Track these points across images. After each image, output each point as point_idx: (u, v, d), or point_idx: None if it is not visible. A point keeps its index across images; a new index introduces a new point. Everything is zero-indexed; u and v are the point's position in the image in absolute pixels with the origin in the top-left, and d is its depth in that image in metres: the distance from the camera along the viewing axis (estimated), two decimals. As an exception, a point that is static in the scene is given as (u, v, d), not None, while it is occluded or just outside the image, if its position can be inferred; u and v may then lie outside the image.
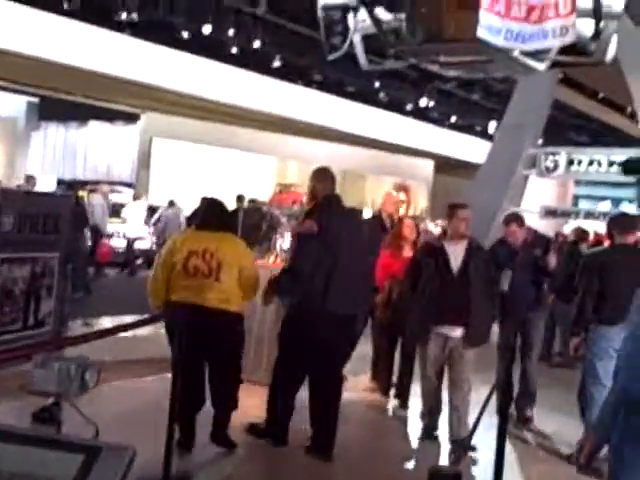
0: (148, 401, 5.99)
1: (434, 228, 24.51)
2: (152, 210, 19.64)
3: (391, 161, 35.58)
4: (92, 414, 4.50)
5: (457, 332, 5.68)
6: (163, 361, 5.92)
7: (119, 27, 20.96)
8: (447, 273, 5.69)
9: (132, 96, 25.62)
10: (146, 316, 6.49)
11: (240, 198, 17.30)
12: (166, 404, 4.22)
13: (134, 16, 19.67)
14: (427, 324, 5.73)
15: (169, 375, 5.49)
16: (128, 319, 8.05)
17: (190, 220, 17.68)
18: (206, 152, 29.46)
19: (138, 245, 17.39)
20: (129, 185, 27.82)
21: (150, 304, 5.30)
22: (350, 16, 7.23)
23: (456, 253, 5.74)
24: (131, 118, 28.98)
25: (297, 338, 5.29)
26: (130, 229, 17.37)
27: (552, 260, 6.67)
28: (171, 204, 18.54)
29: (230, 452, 5.26)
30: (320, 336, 5.17)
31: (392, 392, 7.03)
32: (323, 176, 5.58)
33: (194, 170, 28.95)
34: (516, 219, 6.93)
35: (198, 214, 5.58)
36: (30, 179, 15.32)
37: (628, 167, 3.16)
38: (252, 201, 18.23)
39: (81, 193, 16.99)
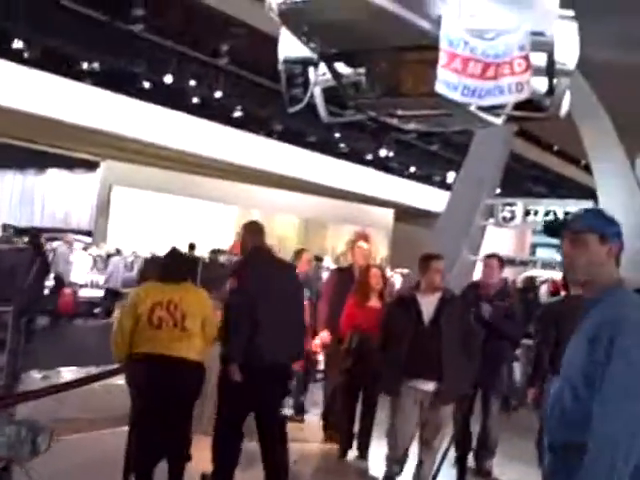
0: (103, 456, 5.82)
1: (397, 277, 24.64)
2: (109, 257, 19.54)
3: (352, 210, 35.86)
4: (45, 474, 4.36)
5: (430, 386, 5.52)
6: (118, 414, 5.82)
7: (80, 76, 20.97)
8: (419, 325, 5.55)
9: (92, 144, 25.52)
10: (106, 368, 6.42)
11: (192, 246, 17.29)
12: (121, 459, 4.11)
13: (95, 65, 19.72)
14: (400, 378, 5.56)
15: (125, 428, 5.40)
16: (88, 370, 7.92)
17: (147, 269, 17.74)
18: (167, 201, 29.37)
19: (85, 293, 17.16)
20: (88, 233, 27.54)
21: (114, 356, 5.25)
22: (311, 69, 7.31)
23: (429, 305, 5.60)
24: (91, 166, 28.81)
25: (231, 390, 5.29)
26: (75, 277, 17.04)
27: (487, 310, 6.56)
28: (117, 252, 18.64)
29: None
30: (253, 387, 5.21)
31: (354, 443, 6.94)
32: (252, 229, 5.76)
33: (154, 219, 28.80)
34: (498, 257, 6.98)
35: (160, 265, 5.59)
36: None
37: (548, 228, 3.26)
38: (216, 251, 18.19)
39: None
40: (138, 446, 4.90)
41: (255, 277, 5.37)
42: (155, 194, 28.68)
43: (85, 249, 19.03)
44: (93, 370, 9.13)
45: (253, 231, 5.70)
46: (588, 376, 2.42)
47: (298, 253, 8.75)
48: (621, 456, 2.25)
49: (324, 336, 7.23)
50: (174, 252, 5.61)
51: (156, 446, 5.07)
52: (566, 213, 15.01)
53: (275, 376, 5.41)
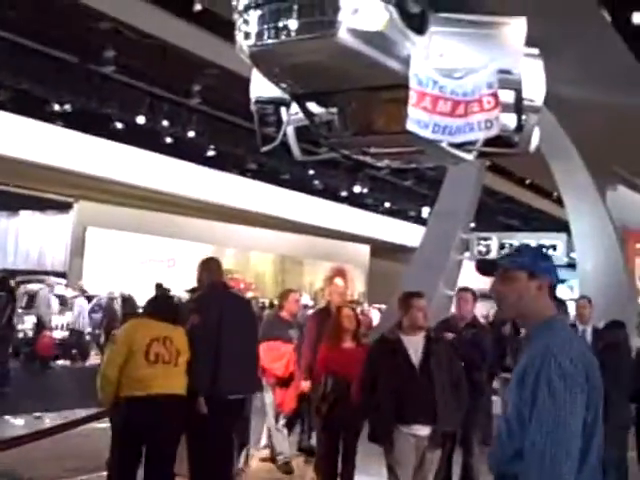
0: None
1: (374, 312, 24.61)
2: (88, 299, 19.39)
3: (328, 246, 35.90)
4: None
5: (426, 431, 5.26)
6: (96, 459, 5.73)
7: (51, 118, 20.93)
8: (409, 369, 5.25)
9: (65, 185, 25.39)
10: (81, 413, 6.38)
11: (159, 286, 17.27)
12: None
13: (67, 107, 19.71)
14: (392, 424, 5.23)
15: (103, 474, 5.29)
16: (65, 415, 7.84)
17: (127, 309, 17.67)
18: (142, 241, 29.22)
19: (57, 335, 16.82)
20: (62, 275, 27.25)
21: (102, 398, 5.09)
22: (283, 109, 7.37)
23: (415, 346, 5.32)
24: (64, 207, 28.60)
25: (199, 423, 5.29)
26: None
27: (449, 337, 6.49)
28: (83, 291, 18.58)
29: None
30: (216, 419, 5.23)
31: None
32: (208, 265, 5.91)
33: (130, 259, 28.62)
34: (471, 291, 6.95)
35: (151, 303, 5.62)
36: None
37: (480, 267, 3.34)
38: (192, 290, 18.10)
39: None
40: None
41: (214, 312, 5.49)
42: (130, 234, 28.52)
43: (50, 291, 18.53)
44: (68, 414, 9.05)
45: (209, 267, 5.84)
46: (520, 413, 2.46)
47: (285, 294, 8.20)
48: None
49: (305, 385, 7.02)
50: (164, 292, 5.60)
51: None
52: (540, 246, 15.17)
53: (235, 407, 5.57)
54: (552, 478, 2.34)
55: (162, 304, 5.59)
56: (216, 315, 5.47)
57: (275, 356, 7.37)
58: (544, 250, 2.91)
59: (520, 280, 2.62)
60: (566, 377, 2.40)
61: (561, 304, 6.73)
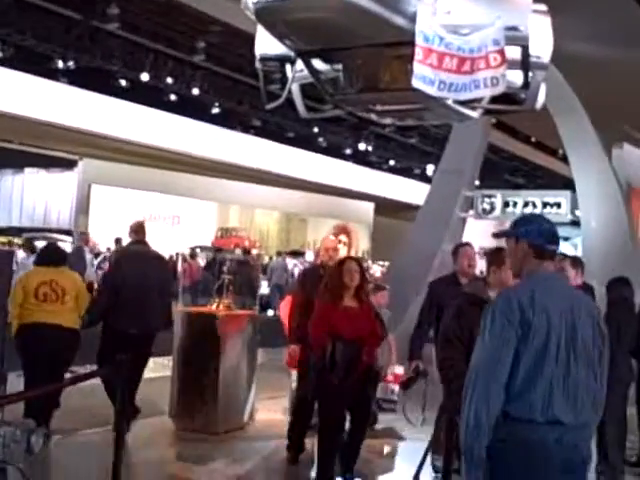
0: (92, 458, 5.93)
1: (377, 268, 24.72)
2: (96, 255, 19.48)
3: (332, 204, 35.92)
4: (39, 474, 4.39)
5: None
6: (104, 412, 5.87)
7: (55, 75, 20.83)
8: None
9: (69, 143, 25.38)
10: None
11: (117, 240, 17.46)
12: (110, 458, 4.17)
13: (71, 64, 19.61)
14: None
15: (108, 428, 5.43)
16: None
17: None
18: (146, 198, 29.27)
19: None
20: (67, 232, 27.37)
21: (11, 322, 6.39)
22: (288, 66, 7.33)
23: None
24: (68, 165, 28.62)
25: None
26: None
27: None
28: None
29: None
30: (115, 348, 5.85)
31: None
32: (133, 228, 7.22)
33: (135, 216, 28.68)
34: (470, 245, 6.58)
35: (39, 254, 7.30)
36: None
37: (495, 235, 3.38)
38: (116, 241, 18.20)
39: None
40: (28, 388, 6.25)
41: (123, 264, 7.11)
42: (134, 192, 28.58)
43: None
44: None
45: (133, 230, 7.20)
46: None
47: (322, 241, 7.59)
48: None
49: (293, 349, 6.34)
50: (49, 245, 8.02)
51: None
52: (544, 203, 15.18)
53: (133, 341, 6.53)
54: (480, 395, 2.88)
55: (49, 254, 6.98)
56: (123, 265, 7.08)
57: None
58: (535, 213, 3.08)
59: (511, 245, 3.24)
60: (495, 313, 2.95)
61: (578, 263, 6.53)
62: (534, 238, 3.16)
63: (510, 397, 2.91)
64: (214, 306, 7.55)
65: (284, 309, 6.94)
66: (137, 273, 6.83)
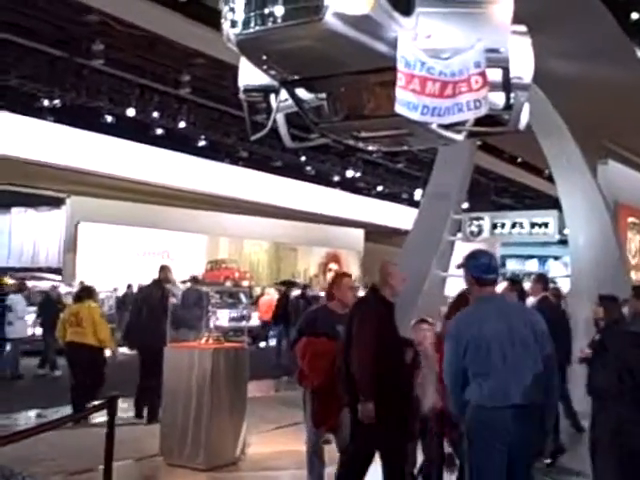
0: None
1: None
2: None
3: (322, 232, 35.95)
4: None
5: None
6: (89, 455, 5.80)
7: (41, 113, 20.87)
8: None
9: (57, 181, 25.35)
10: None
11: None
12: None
13: (56, 102, 19.65)
14: None
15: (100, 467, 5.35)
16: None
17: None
18: (135, 234, 29.21)
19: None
20: (56, 271, 27.23)
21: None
22: (272, 96, 7.36)
23: None
24: (56, 203, 28.55)
25: None
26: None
27: None
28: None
29: None
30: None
31: None
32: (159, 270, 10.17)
33: (124, 252, 28.62)
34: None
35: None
36: None
37: None
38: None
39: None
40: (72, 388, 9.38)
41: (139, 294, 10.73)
42: (123, 227, 28.51)
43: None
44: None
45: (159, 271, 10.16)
46: None
47: (336, 279, 6.56)
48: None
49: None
50: (81, 287, 11.39)
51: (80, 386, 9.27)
52: (532, 224, 15.21)
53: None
54: (448, 387, 4.26)
55: (77, 292, 10.68)
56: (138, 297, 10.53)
57: (315, 352, 5.92)
58: (480, 249, 3.64)
59: (465, 275, 4.32)
60: (450, 333, 4.23)
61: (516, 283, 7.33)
62: (474, 271, 4.22)
63: (471, 389, 4.00)
64: (203, 340, 7.52)
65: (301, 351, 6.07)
66: (147, 303, 9.69)
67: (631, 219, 16.69)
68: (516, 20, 6.18)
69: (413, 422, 5.42)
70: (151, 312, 9.19)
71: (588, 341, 6.91)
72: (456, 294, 5.98)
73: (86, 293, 10.06)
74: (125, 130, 22.46)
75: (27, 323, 15.00)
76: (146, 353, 9.05)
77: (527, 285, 8.62)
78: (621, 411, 4.22)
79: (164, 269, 10.09)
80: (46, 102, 20.02)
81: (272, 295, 21.52)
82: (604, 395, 4.49)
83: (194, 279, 16.77)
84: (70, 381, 9.51)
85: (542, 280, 8.08)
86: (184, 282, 17.88)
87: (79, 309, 9.53)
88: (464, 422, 4.13)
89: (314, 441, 6.08)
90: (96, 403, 6.52)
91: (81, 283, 20.39)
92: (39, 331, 15.18)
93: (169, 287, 10.21)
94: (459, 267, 4.38)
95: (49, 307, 14.93)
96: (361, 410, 5.13)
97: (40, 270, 26.65)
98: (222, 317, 17.48)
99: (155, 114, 21.35)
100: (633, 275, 15.37)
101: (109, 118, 21.57)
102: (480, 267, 4.21)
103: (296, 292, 19.53)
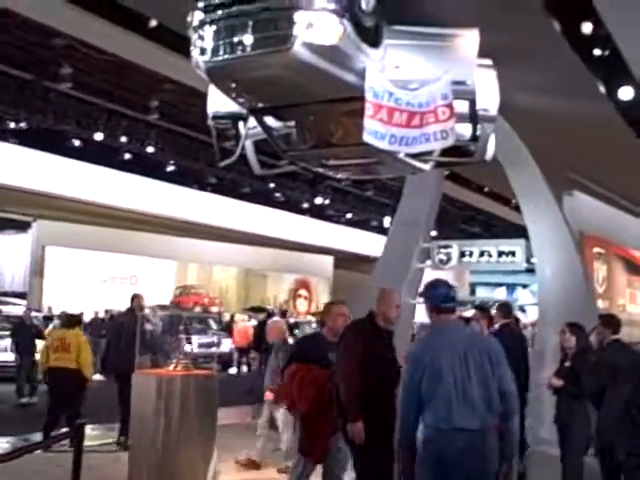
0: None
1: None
2: (48, 319, 19.07)
3: (291, 259, 35.91)
4: None
5: None
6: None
7: (6, 136, 20.69)
8: None
9: (23, 204, 25.07)
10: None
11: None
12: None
13: (23, 125, 19.49)
14: None
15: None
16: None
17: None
18: (103, 258, 28.92)
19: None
20: (21, 295, 26.83)
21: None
22: (241, 123, 7.36)
23: None
24: (22, 226, 28.23)
25: None
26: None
27: None
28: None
29: None
30: None
31: None
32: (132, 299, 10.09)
33: (91, 277, 28.31)
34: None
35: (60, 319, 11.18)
36: None
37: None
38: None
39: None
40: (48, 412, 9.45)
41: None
42: (90, 252, 28.22)
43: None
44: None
45: (132, 300, 10.19)
46: None
47: (327, 307, 6.65)
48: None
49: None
50: (68, 314, 11.14)
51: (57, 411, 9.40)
52: (499, 252, 15.36)
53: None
54: (400, 412, 4.37)
55: (64, 320, 10.86)
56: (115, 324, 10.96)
57: (303, 379, 5.93)
58: (439, 279, 3.98)
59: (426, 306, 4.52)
60: (408, 359, 4.38)
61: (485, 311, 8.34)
62: (433, 300, 4.43)
63: (425, 412, 4.15)
64: (171, 367, 7.42)
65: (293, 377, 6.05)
66: (124, 331, 9.62)
67: (597, 249, 16.91)
68: (482, 54, 6.27)
69: None
70: (127, 340, 9.25)
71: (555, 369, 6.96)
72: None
73: (74, 320, 10.31)
74: (93, 154, 22.33)
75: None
76: (123, 380, 8.93)
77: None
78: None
79: (137, 297, 10.13)
80: (12, 125, 19.84)
81: (246, 322, 21.40)
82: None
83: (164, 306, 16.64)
84: (48, 406, 9.57)
85: (503, 309, 8.41)
86: (162, 307, 17.72)
87: (64, 335, 9.72)
88: (409, 449, 4.23)
89: (299, 472, 6.01)
90: (63, 430, 6.43)
91: (49, 308, 20.18)
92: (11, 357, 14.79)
93: (147, 314, 10.41)
94: (420, 296, 4.66)
95: (23, 332, 14.48)
96: (350, 430, 5.25)
97: (5, 295, 26.24)
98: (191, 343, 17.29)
99: (123, 139, 21.25)
100: (600, 304, 15.53)
101: (76, 142, 21.44)
102: (438, 297, 4.43)
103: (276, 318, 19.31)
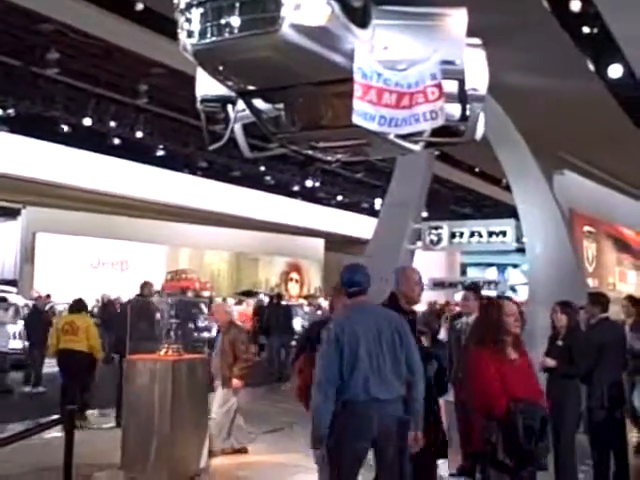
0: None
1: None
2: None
3: (282, 242, 35.87)
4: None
5: None
6: (57, 469, 5.66)
7: (-6, 123, 20.56)
8: None
9: (12, 191, 24.92)
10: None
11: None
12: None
13: (10, 111, 19.35)
14: None
15: None
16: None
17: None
18: (93, 244, 28.82)
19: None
20: (12, 282, 26.74)
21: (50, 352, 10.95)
22: (229, 107, 7.34)
23: None
24: (11, 213, 28.07)
25: None
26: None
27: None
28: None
29: None
30: None
31: None
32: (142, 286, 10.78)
33: (82, 263, 28.23)
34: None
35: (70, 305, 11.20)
36: None
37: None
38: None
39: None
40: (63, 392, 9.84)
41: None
42: (81, 238, 28.10)
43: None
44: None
45: (141, 287, 11.07)
46: None
47: (336, 290, 5.69)
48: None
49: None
50: (76, 300, 10.95)
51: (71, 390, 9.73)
52: (490, 233, 15.39)
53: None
54: (317, 384, 4.46)
55: (73, 304, 10.86)
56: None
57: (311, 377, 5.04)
58: (353, 264, 4.19)
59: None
60: (329, 337, 4.53)
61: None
62: (345, 283, 4.77)
63: (342, 386, 4.41)
64: (162, 352, 7.42)
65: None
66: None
67: (587, 228, 17.00)
68: (471, 33, 6.26)
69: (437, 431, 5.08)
70: (148, 323, 9.65)
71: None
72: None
73: (81, 305, 10.78)
74: (81, 140, 22.18)
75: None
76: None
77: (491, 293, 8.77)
78: None
79: (147, 284, 11.06)
80: (0, 112, 19.69)
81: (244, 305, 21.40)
82: None
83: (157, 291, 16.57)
84: (62, 387, 9.99)
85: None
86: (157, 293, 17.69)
87: (74, 319, 10.23)
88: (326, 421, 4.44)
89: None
90: (54, 417, 6.41)
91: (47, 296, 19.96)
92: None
93: (156, 301, 10.96)
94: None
95: (37, 320, 14.10)
96: None
97: (-4, 282, 26.15)
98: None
99: (112, 124, 21.10)
100: (590, 282, 15.64)
101: (65, 128, 21.27)
102: (345, 282, 4.79)
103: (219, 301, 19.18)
